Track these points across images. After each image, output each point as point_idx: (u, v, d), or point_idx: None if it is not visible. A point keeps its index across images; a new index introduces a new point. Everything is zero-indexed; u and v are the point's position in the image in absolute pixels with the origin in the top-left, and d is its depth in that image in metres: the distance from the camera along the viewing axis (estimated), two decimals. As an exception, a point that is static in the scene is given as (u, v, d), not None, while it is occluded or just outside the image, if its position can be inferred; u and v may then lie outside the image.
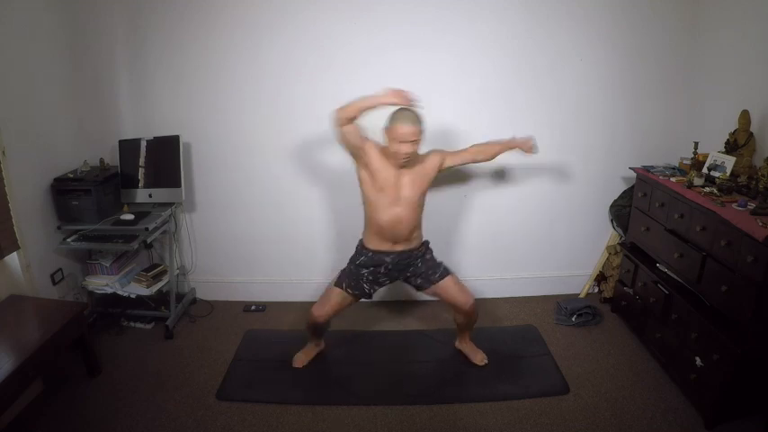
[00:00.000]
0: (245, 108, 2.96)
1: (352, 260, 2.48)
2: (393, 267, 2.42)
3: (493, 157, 2.57)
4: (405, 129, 2.16)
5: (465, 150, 2.51)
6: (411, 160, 2.27)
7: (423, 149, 2.40)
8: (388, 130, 2.22)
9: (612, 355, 2.70)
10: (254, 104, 2.95)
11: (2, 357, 1.99)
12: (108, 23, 2.85)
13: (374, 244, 2.41)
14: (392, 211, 2.31)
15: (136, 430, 2.20)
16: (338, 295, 2.44)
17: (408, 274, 2.47)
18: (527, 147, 2.53)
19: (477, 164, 2.80)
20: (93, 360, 2.54)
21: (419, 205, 2.38)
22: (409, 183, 2.32)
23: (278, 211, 3.15)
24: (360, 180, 2.37)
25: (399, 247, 2.40)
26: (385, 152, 2.28)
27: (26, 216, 2.49)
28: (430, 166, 2.39)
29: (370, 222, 2.40)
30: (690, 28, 2.84)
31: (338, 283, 2.46)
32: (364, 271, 2.43)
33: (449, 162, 2.45)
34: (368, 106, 2.16)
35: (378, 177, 2.29)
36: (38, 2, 2.56)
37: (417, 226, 2.42)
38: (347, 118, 2.18)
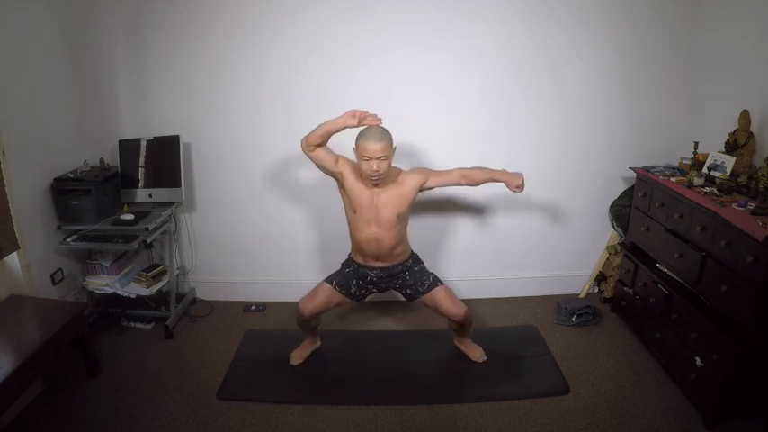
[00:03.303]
0: (246, 108, 2.96)
1: (344, 266, 2.54)
2: (378, 281, 2.45)
3: (478, 184, 2.47)
4: (371, 146, 2.14)
5: (450, 172, 2.41)
6: (385, 179, 2.25)
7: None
8: (356, 148, 2.22)
9: (612, 355, 2.70)
10: (255, 104, 2.96)
11: (2, 357, 1.99)
12: (108, 23, 2.85)
13: (358, 259, 2.45)
14: (368, 231, 2.32)
15: (136, 430, 2.20)
16: (327, 290, 2.45)
17: (397, 286, 2.49)
18: (514, 184, 2.37)
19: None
20: (93, 360, 2.54)
21: (397, 224, 2.33)
22: (385, 203, 2.29)
23: (278, 211, 3.15)
24: (342, 199, 2.41)
25: (382, 264, 2.41)
26: (358, 171, 2.29)
27: (26, 216, 2.49)
28: (409, 187, 2.33)
29: (351, 239, 2.44)
30: (690, 28, 2.84)
31: (329, 279, 2.48)
32: (353, 276, 2.46)
33: (431, 183, 2.37)
34: (328, 130, 2.17)
35: (353, 198, 2.30)
36: (38, 2, 2.56)
37: (399, 243, 2.39)
38: (312, 144, 2.20)
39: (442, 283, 2.47)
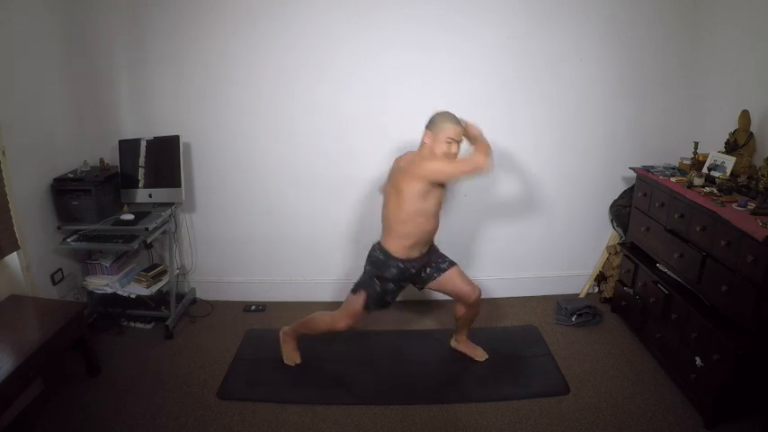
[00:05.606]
0: (246, 108, 2.96)
1: (380, 275, 2.34)
2: (416, 272, 2.42)
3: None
4: (456, 128, 2.21)
5: None
6: None
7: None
8: (438, 131, 2.22)
9: (612, 355, 2.70)
10: (254, 104, 2.95)
11: (2, 357, 1.99)
12: (108, 24, 2.84)
13: (408, 253, 2.32)
14: (437, 219, 2.34)
15: (136, 430, 2.20)
16: (364, 314, 2.40)
17: (422, 271, 2.46)
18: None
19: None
20: (94, 360, 2.54)
21: None
22: (440, 187, 2.32)
23: (278, 211, 3.15)
24: (407, 193, 2.22)
25: (426, 249, 2.42)
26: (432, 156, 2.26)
27: (26, 216, 2.49)
28: None
29: (413, 232, 2.28)
30: (690, 27, 2.84)
31: (366, 304, 2.36)
32: (391, 285, 2.37)
33: None
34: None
35: (437, 188, 2.26)
36: (38, 3, 2.56)
37: None
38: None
39: (456, 264, 2.49)
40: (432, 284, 2.48)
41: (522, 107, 2.96)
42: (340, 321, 2.43)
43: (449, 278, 2.44)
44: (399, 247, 2.31)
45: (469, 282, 2.47)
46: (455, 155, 2.25)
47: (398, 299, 3.19)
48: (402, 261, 2.33)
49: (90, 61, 2.86)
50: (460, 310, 2.54)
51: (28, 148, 2.51)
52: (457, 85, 2.90)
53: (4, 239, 2.33)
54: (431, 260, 2.46)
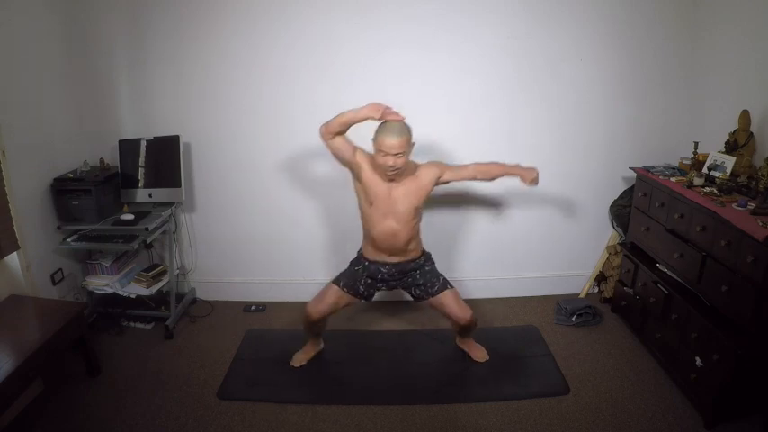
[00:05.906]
0: (246, 108, 2.96)
1: (352, 264, 2.51)
2: (389, 278, 2.43)
3: (493, 179, 2.51)
4: (389, 141, 2.13)
5: (465, 167, 2.43)
6: (402, 173, 2.24)
7: (423, 160, 2.38)
8: (374, 141, 2.20)
9: (612, 355, 2.70)
10: (254, 104, 2.96)
11: (2, 357, 1.99)
12: (108, 23, 2.84)
13: (370, 254, 2.42)
14: (385, 224, 2.30)
15: (136, 430, 2.20)
16: (334, 293, 2.44)
17: (406, 285, 2.48)
18: (529, 178, 2.40)
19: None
20: (94, 360, 2.54)
21: (413, 218, 2.34)
22: (402, 196, 2.28)
23: (278, 211, 3.15)
24: (355, 191, 2.38)
25: (395, 259, 2.40)
26: (375, 164, 2.27)
27: (26, 216, 2.49)
28: (426, 180, 2.33)
29: (364, 233, 2.42)
30: (690, 27, 2.84)
31: (336, 281, 2.47)
32: (364, 274, 2.44)
33: (447, 177, 2.38)
34: (350, 120, 2.16)
35: (369, 190, 2.28)
36: (38, 3, 2.57)
37: (413, 238, 2.39)
38: (332, 132, 2.19)
39: (451, 286, 2.47)
40: (423, 303, 2.52)
41: (522, 107, 2.96)
42: (311, 306, 2.45)
43: (439, 303, 2.44)
44: (363, 245, 2.48)
45: (461, 307, 2.43)
46: (393, 167, 2.17)
47: (396, 299, 3.23)
48: (366, 259, 2.44)
49: (90, 61, 2.86)
50: (455, 326, 2.55)
51: (28, 148, 2.51)
52: (457, 85, 2.90)
53: (4, 239, 2.33)
54: (417, 281, 2.44)
